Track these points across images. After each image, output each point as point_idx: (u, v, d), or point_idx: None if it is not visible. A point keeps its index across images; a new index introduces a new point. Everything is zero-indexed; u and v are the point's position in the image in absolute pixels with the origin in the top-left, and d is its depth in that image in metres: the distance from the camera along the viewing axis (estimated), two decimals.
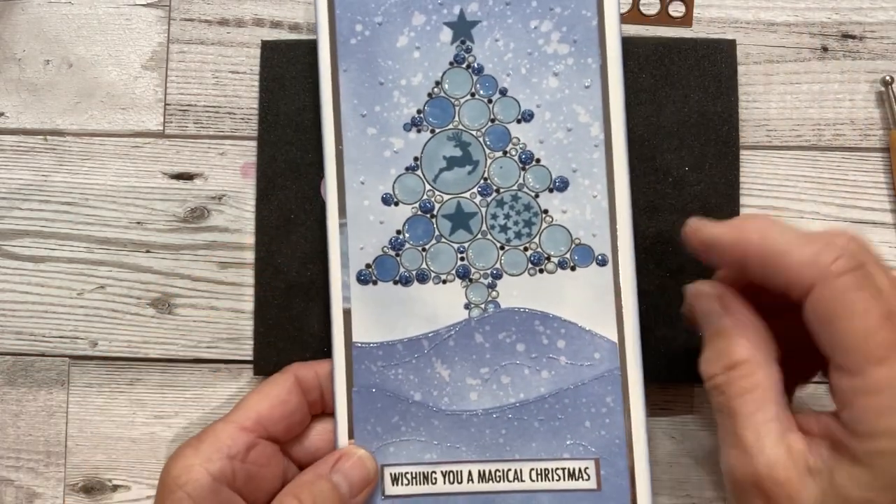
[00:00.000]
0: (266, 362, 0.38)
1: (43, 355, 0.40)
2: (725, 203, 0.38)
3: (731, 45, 0.38)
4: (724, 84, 0.38)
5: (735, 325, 0.30)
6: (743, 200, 0.38)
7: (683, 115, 0.38)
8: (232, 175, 0.40)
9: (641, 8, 0.39)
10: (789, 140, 0.39)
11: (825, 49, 0.39)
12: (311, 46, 0.38)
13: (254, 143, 0.40)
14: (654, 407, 0.38)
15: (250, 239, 0.39)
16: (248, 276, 0.39)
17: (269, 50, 0.39)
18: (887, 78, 0.38)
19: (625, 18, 0.35)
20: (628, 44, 0.37)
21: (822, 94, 0.39)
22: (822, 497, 0.27)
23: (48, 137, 0.40)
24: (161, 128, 0.40)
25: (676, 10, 0.39)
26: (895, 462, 0.26)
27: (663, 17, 0.39)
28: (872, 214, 0.38)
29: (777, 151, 0.39)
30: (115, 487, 0.40)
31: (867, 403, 0.26)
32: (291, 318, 0.38)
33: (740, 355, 0.29)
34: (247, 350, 0.39)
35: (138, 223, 0.40)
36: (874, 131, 0.39)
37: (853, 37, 0.39)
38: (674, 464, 0.38)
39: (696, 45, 0.38)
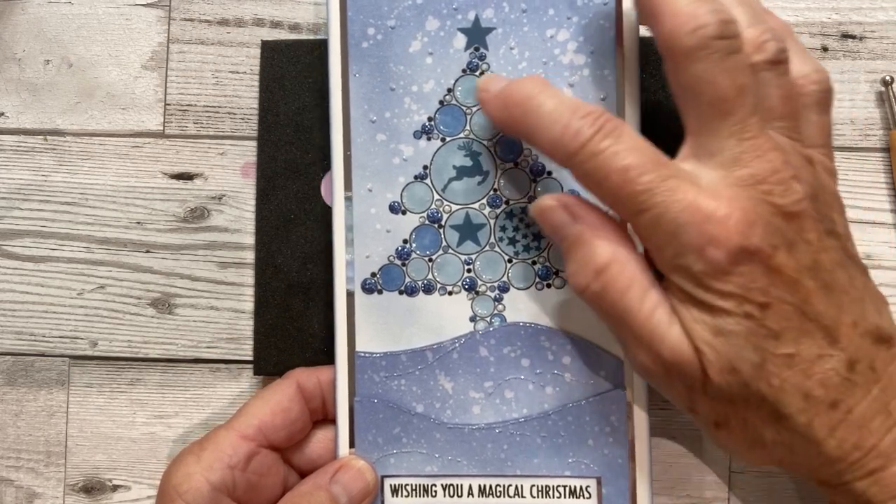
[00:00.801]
0: (266, 362, 0.38)
1: (43, 355, 0.40)
2: None
3: None
4: None
5: (590, 229, 0.30)
6: None
7: None
8: (232, 175, 0.39)
9: None
10: None
11: (825, 49, 0.39)
12: (312, 46, 0.38)
13: (254, 143, 0.39)
14: (655, 406, 0.38)
15: (250, 239, 0.39)
16: (248, 276, 0.39)
17: (269, 50, 0.38)
18: (887, 78, 0.38)
19: None
20: None
21: None
22: (720, 356, 0.28)
23: (48, 137, 0.40)
24: (161, 128, 0.40)
25: None
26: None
27: None
28: (872, 214, 0.38)
29: None
30: (115, 487, 0.40)
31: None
32: (291, 318, 0.38)
33: (605, 257, 0.29)
34: (247, 350, 0.39)
35: (138, 223, 0.39)
36: (874, 131, 0.39)
37: (853, 37, 0.39)
38: (674, 464, 0.38)
39: None
